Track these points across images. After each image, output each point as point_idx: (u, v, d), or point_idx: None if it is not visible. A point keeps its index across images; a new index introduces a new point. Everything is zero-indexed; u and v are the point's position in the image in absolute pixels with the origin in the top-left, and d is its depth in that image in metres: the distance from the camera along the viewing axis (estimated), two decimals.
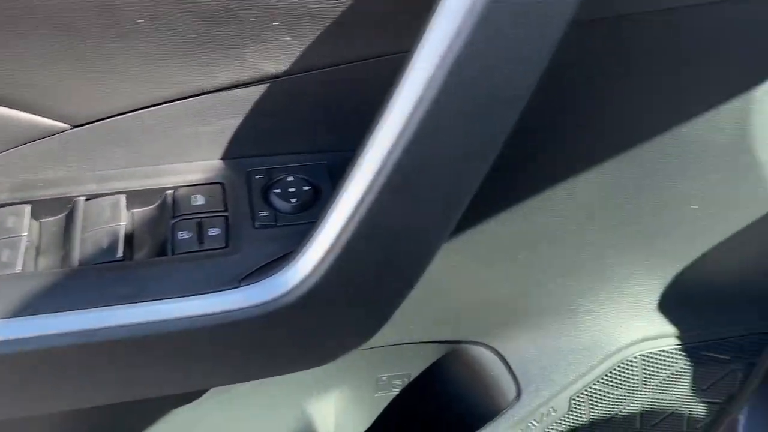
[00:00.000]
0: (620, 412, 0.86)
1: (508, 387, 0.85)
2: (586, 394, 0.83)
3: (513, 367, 0.85)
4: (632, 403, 0.86)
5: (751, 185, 0.69)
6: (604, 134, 0.66)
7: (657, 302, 0.80)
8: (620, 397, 0.85)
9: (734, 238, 0.74)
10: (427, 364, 0.92)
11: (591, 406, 0.84)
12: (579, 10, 0.54)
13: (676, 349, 0.83)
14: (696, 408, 0.89)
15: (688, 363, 0.84)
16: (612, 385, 0.83)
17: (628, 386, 0.84)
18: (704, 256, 0.76)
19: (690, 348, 0.83)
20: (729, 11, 0.57)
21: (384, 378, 0.93)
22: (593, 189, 0.70)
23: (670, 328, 0.82)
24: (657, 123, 0.64)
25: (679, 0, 0.55)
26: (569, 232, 0.74)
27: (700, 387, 0.87)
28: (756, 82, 0.61)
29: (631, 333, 0.82)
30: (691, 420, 0.90)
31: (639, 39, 0.58)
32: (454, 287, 0.80)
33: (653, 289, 0.79)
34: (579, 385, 0.83)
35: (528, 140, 0.66)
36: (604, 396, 0.84)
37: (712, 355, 0.84)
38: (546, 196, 0.70)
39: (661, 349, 0.83)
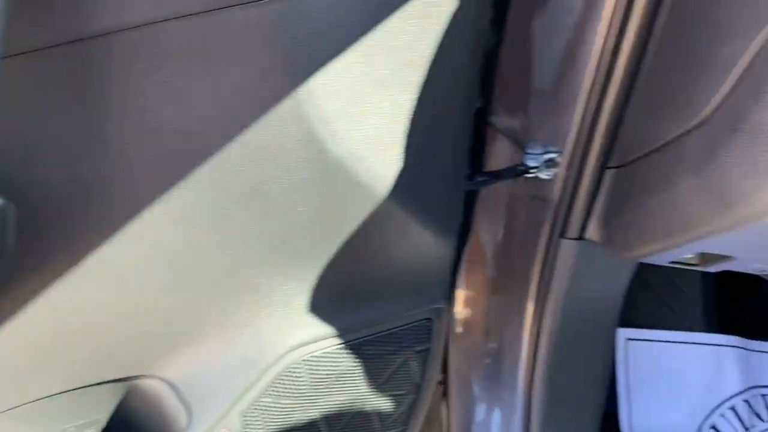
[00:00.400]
0: (299, 421, 0.87)
1: (181, 414, 0.84)
2: (257, 409, 0.83)
3: (182, 392, 0.84)
4: (309, 410, 0.86)
5: (342, 180, 0.72)
6: (176, 151, 0.67)
7: (307, 306, 0.82)
8: (294, 406, 0.85)
9: (354, 236, 0.77)
10: (112, 406, 0.89)
11: (265, 420, 0.84)
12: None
13: (338, 349, 0.85)
14: (381, 402, 0.91)
15: (354, 361, 0.86)
16: (281, 396, 0.84)
17: (299, 394, 0.85)
18: (334, 256, 0.79)
19: (351, 346, 0.85)
20: (240, 16, 0.60)
21: (70, 429, 0.89)
22: (190, 203, 0.70)
23: (327, 330, 0.84)
24: (218, 132, 0.66)
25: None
26: (190, 251, 0.74)
27: (376, 382, 0.89)
28: (298, 81, 0.64)
29: (289, 340, 0.83)
30: (382, 415, 0.92)
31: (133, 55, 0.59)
32: (102, 324, 0.78)
33: (299, 293, 0.81)
34: (247, 400, 0.83)
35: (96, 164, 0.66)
36: (276, 408, 0.84)
37: (373, 349, 0.86)
38: (155, 215, 0.70)
39: (324, 351, 0.84)
